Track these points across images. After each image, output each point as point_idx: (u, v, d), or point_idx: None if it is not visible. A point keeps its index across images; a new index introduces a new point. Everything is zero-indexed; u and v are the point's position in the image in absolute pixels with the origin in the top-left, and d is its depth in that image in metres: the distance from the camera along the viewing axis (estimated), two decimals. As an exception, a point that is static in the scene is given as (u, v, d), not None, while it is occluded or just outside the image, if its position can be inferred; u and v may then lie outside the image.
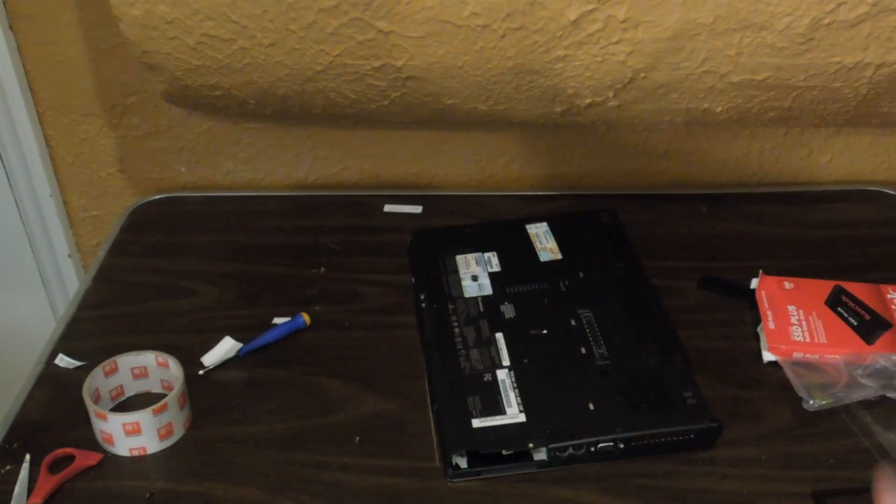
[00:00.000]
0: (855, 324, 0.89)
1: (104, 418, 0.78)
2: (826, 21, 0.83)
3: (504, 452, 0.76)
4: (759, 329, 0.91)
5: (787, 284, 0.94)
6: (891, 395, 0.83)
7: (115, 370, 0.83)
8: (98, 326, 0.95)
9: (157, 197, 1.17)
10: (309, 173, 1.20)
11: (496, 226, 1.06)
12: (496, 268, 0.97)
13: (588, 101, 0.93)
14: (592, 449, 0.77)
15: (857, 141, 1.16)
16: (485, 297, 0.93)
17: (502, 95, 0.93)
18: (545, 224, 1.04)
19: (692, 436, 0.78)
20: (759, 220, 1.11)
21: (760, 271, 0.96)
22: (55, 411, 0.84)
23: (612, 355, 0.84)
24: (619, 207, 1.09)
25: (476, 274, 0.96)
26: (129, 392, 0.85)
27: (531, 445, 0.76)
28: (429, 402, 0.84)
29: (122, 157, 1.18)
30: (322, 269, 1.02)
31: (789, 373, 0.85)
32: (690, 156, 1.18)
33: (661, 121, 0.98)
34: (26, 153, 1.14)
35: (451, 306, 0.92)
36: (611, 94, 0.91)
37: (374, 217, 1.12)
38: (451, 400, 0.81)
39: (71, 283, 1.25)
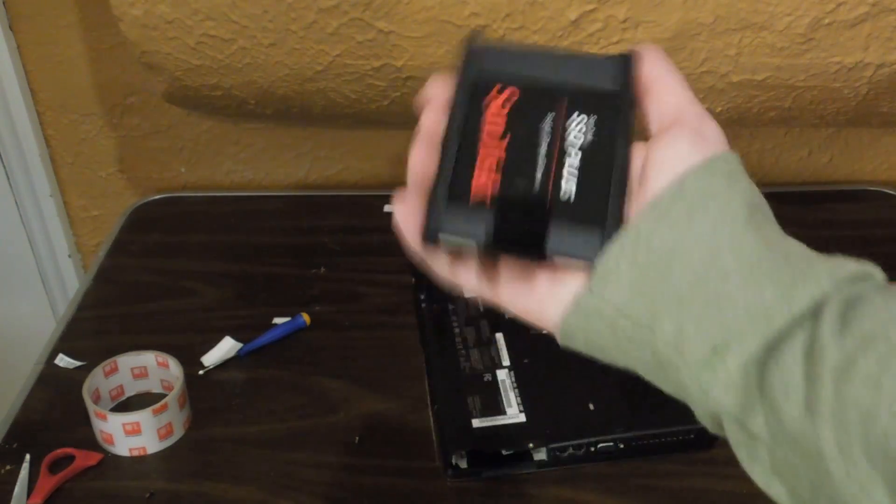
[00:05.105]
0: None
1: (104, 418, 0.78)
2: (826, 21, 0.83)
3: (504, 452, 0.76)
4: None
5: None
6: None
7: (115, 370, 0.83)
8: (98, 326, 0.95)
9: (157, 197, 1.17)
10: (309, 173, 1.20)
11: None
12: (496, 268, 0.97)
13: (588, 101, 0.93)
14: (592, 449, 0.77)
15: (857, 141, 1.16)
16: (485, 297, 0.93)
17: (502, 95, 0.93)
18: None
19: (692, 436, 0.78)
20: (759, 220, 1.10)
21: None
22: (55, 411, 0.84)
23: (612, 355, 0.84)
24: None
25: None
26: (129, 392, 0.85)
27: (531, 445, 0.76)
28: (429, 402, 0.84)
29: (122, 157, 1.18)
30: (322, 269, 1.02)
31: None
32: (690, 156, 1.18)
33: (661, 121, 0.97)
34: (26, 153, 1.14)
35: (451, 306, 0.92)
36: (611, 94, 0.91)
37: (374, 217, 1.12)
38: (451, 400, 0.81)
39: (71, 283, 1.25)
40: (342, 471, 0.78)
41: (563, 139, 0.38)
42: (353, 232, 1.09)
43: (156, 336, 0.92)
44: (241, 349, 0.90)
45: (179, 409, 0.80)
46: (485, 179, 0.38)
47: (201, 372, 0.88)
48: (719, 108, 0.94)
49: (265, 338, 0.91)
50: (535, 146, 0.38)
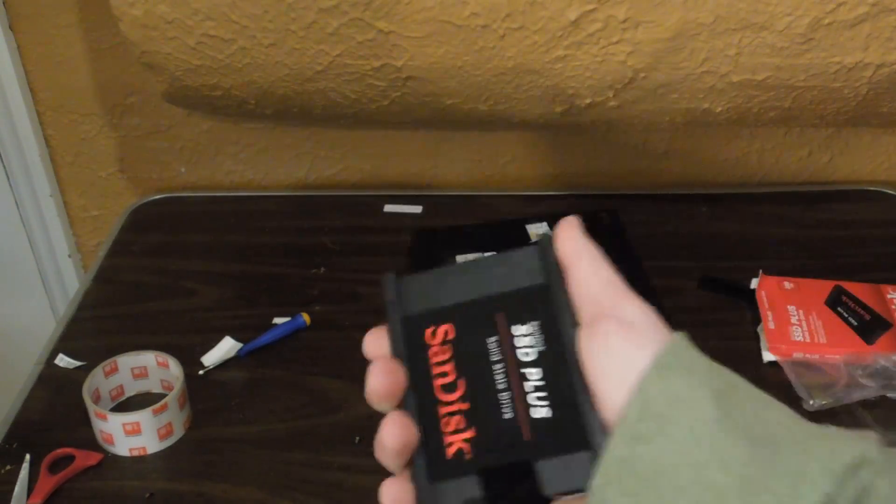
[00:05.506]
0: (855, 324, 0.89)
1: (104, 418, 0.78)
2: (826, 21, 0.83)
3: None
4: (759, 329, 0.91)
5: (787, 284, 0.94)
6: (891, 395, 0.83)
7: (115, 370, 0.83)
8: (98, 326, 0.95)
9: (157, 197, 1.17)
10: (309, 173, 1.20)
11: (496, 226, 1.05)
12: (496, 268, 0.97)
13: (588, 101, 0.93)
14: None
15: (857, 141, 1.16)
16: (485, 298, 0.92)
17: (502, 95, 0.93)
18: (545, 224, 1.04)
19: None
20: (759, 220, 1.11)
21: (760, 271, 0.96)
22: (55, 411, 0.84)
23: (612, 355, 0.84)
24: (619, 207, 1.09)
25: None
26: (129, 392, 0.85)
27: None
28: (429, 402, 0.84)
29: (122, 157, 1.18)
30: (322, 269, 1.02)
31: (789, 373, 0.85)
32: (690, 156, 1.18)
33: (661, 121, 0.98)
34: (26, 153, 1.14)
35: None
36: (611, 94, 0.91)
37: (374, 217, 1.12)
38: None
39: (71, 283, 1.25)
40: (342, 471, 0.78)
41: (516, 360, 0.36)
42: (353, 232, 1.09)
43: (156, 336, 0.92)
44: (241, 349, 0.90)
45: (179, 409, 0.80)
46: (457, 442, 0.36)
47: (201, 372, 0.88)
48: (719, 108, 0.94)
49: (265, 338, 0.91)
50: (493, 382, 0.36)
